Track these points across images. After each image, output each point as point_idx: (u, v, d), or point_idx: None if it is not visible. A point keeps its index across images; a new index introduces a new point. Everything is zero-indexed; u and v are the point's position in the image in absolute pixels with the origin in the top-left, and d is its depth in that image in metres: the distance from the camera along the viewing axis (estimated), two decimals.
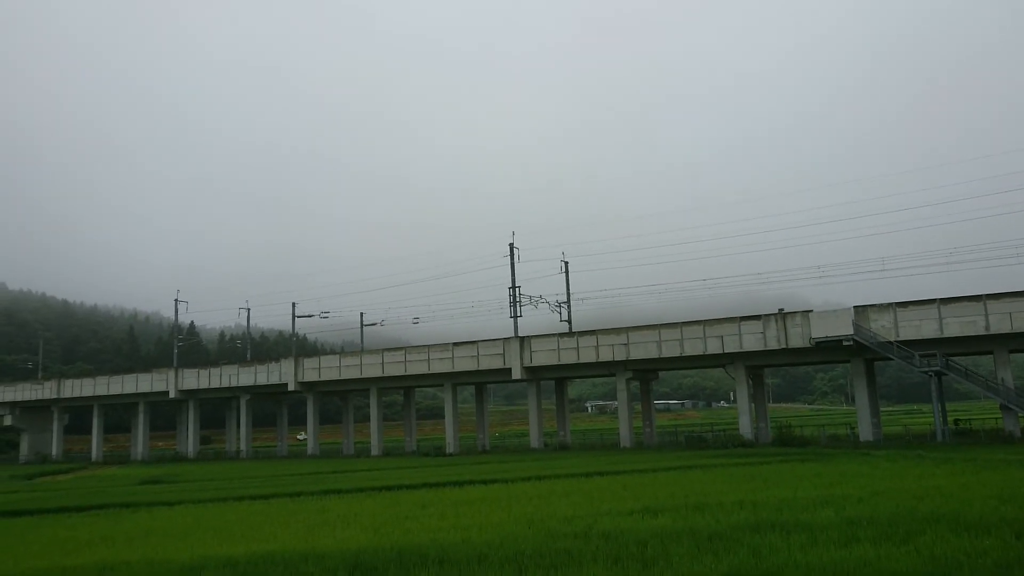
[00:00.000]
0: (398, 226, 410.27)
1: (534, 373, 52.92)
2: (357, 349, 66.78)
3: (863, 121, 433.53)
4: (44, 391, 76.74)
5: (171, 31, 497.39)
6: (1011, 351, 40.96)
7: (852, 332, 41.38)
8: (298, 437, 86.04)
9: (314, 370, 61.44)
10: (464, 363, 54.29)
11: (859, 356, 43.46)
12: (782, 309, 45.11)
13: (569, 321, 56.97)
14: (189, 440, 70.77)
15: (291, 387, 62.30)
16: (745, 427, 46.12)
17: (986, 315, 39.01)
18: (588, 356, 49.64)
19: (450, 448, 55.47)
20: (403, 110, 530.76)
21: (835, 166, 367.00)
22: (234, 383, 65.95)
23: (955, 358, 42.42)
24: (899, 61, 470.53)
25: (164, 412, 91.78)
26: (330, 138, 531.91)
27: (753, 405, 48.84)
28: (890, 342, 40.74)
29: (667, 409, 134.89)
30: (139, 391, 71.36)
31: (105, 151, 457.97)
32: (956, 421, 47.34)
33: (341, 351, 78.28)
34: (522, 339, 52.16)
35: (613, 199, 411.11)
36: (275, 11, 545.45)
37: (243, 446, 67.33)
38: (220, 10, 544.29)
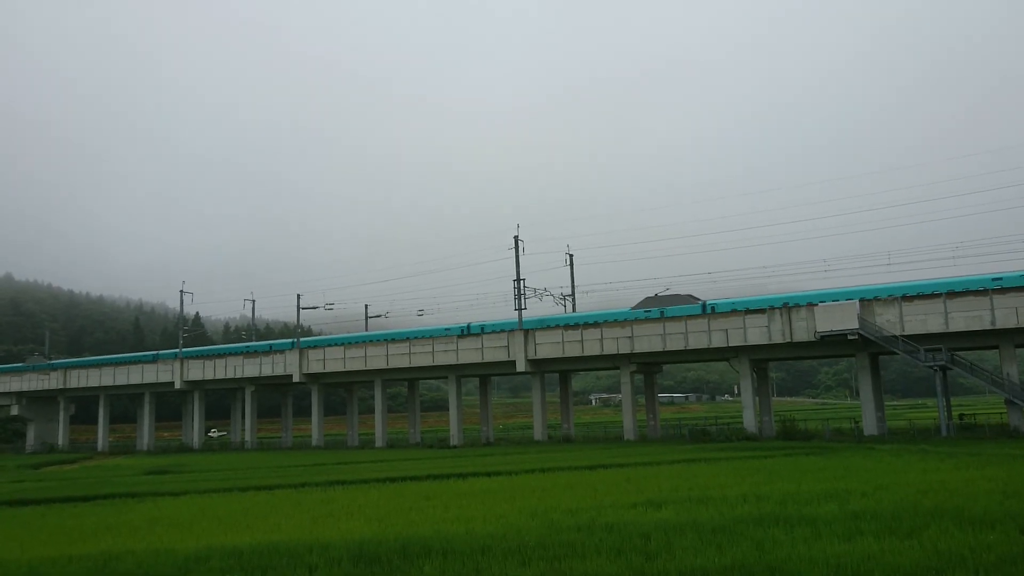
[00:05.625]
0: (403, 219, 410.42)
1: (538, 366, 52.94)
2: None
3: (869, 112, 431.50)
4: (50, 381, 77.12)
5: (173, 14, 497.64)
6: (1017, 346, 40.81)
7: (857, 326, 41.28)
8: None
9: (319, 362, 61.60)
10: (468, 355, 54.34)
11: (864, 350, 43.38)
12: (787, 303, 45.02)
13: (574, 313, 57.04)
14: (195, 430, 71.10)
15: (296, 379, 62.48)
16: (749, 421, 46.11)
17: (992, 310, 38.87)
18: (592, 349, 49.66)
19: (454, 440, 55.59)
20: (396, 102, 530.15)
21: (839, 159, 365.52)
22: (239, 374, 66.21)
23: (960, 353, 42.27)
24: (900, 46, 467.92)
25: (170, 402, 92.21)
26: (329, 127, 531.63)
27: (757, 399, 48.81)
28: (895, 336, 40.64)
29: (671, 402, 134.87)
30: (145, 382, 71.65)
31: (111, 141, 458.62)
32: (961, 416, 47.24)
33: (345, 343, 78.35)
34: (526, 332, 52.18)
35: (617, 193, 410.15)
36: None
37: (248, 437, 67.63)
38: None
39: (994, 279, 41.44)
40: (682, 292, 52.96)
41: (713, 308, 48.38)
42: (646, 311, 50.66)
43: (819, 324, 42.40)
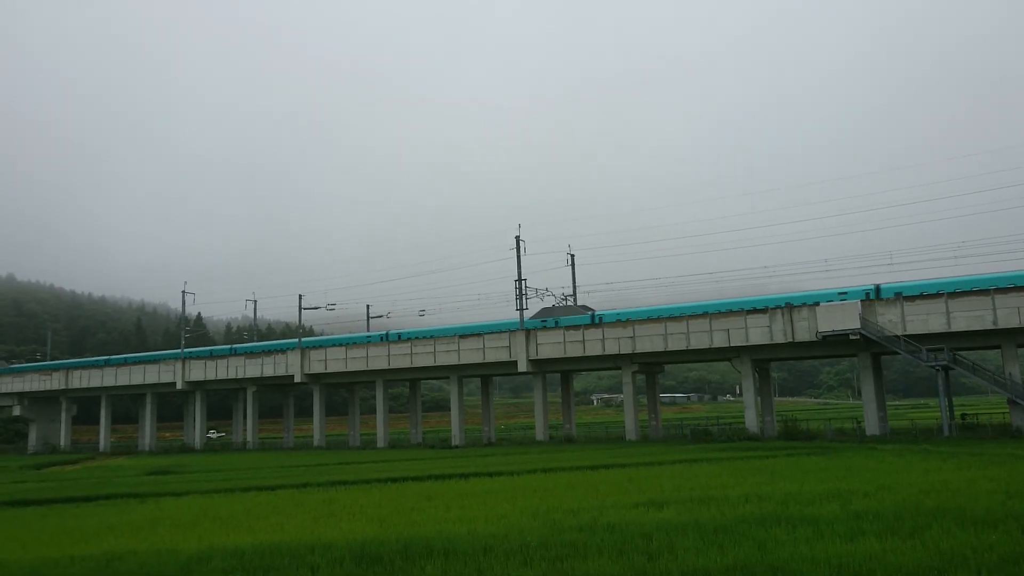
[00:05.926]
0: (403, 219, 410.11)
1: (540, 366, 52.90)
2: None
3: (869, 112, 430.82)
4: (52, 381, 77.21)
5: (173, 14, 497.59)
6: (1019, 346, 40.73)
7: (859, 326, 41.21)
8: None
9: (320, 362, 61.60)
10: (470, 355, 54.31)
11: (866, 350, 43.31)
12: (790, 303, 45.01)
13: None
14: (196, 431, 71.13)
15: (297, 379, 62.49)
16: (751, 421, 46.06)
17: (994, 309, 38.80)
18: (594, 349, 49.62)
19: (456, 440, 55.57)
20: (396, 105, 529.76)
21: (839, 159, 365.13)
22: (241, 375, 66.24)
23: (962, 352, 42.22)
24: (900, 46, 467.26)
25: (171, 403, 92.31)
26: (330, 127, 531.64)
27: (759, 399, 48.74)
28: (897, 336, 40.59)
29: (672, 402, 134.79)
30: (147, 382, 71.70)
31: (111, 141, 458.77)
32: (963, 416, 47.17)
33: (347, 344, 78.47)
34: (528, 332, 52.15)
35: (617, 193, 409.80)
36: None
37: (249, 437, 67.67)
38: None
39: (865, 290, 44.89)
40: (576, 304, 58.21)
41: (601, 318, 52.58)
42: (542, 320, 55.37)
43: (821, 324, 42.33)
